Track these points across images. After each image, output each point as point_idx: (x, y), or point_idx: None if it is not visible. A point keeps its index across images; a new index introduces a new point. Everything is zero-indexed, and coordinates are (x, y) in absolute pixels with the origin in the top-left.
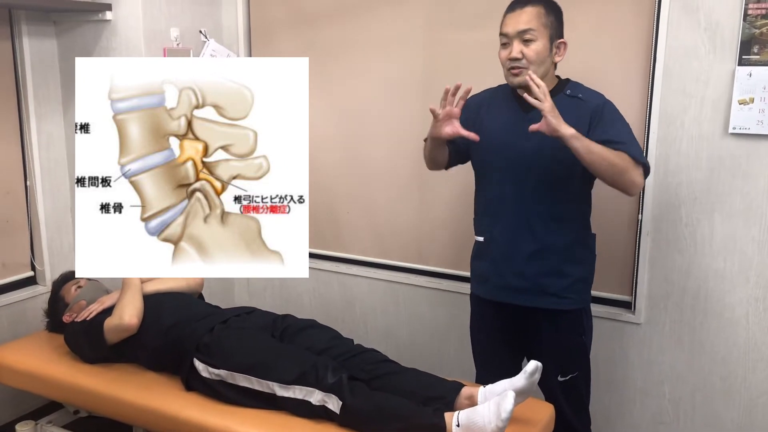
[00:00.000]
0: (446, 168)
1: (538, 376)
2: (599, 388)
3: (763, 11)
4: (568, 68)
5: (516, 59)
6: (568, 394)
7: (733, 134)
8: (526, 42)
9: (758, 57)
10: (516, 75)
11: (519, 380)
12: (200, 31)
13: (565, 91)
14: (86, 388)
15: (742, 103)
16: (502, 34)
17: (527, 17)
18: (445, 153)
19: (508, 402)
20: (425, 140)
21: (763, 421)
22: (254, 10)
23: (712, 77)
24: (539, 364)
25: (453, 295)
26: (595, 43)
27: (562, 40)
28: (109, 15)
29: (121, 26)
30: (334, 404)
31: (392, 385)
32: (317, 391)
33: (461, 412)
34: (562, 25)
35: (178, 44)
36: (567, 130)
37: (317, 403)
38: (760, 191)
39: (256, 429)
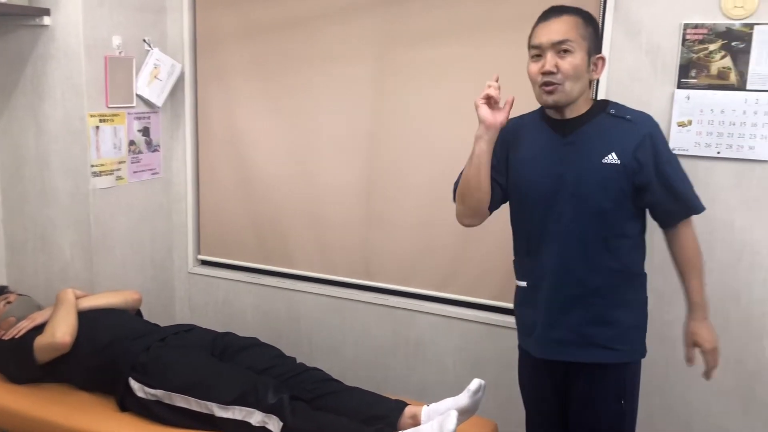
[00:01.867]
0: (490, 209)
1: (482, 394)
2: None
3: (700, 36)
4: (515, 91)
5: (550, 72)
6: None
7: None
8: (563, 53)
9: (696, 81)
10: (550, 93)
11: (462, 399)
12: (144, 40)
13: (608, 110)
14: (14, 410)
15: (680, 125)
16: (533, 47)
17: (564, 27)
18: (488, 179)
19: (451, 422)
20: (456, 185)
21: None
22: (201, 20)
23: (653, 99)
24: (483, 381)
25: (400, 312)
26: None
27: (600, 55)
28: (47, 20)
29: (60, 32)
30: (274, 425)
31: (335, 405)
32: (257, 411)
33: (403, 431)
34: (601, 40)
35: (120, 53)
36: (711, 332)
37: (257, 424)
38: None
39: None
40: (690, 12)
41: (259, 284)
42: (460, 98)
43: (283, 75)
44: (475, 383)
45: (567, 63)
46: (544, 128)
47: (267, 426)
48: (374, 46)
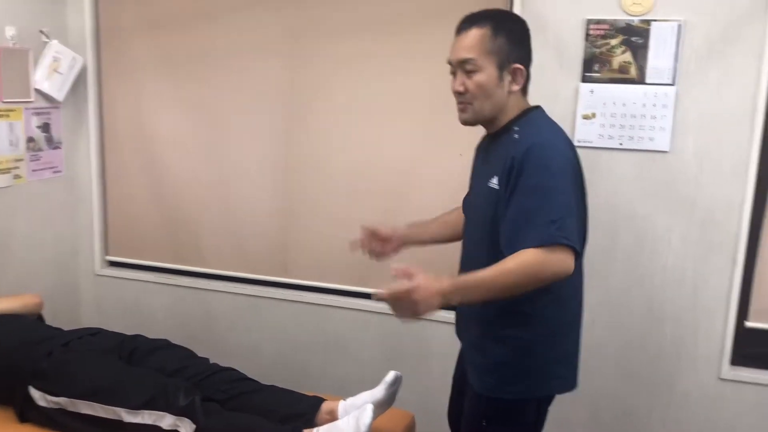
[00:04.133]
0: None
1: (398, 386)
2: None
3: (602, 32)
4: (421, 92)
5: (458, 93)
6: None
7: (578, 147)
8: (469, 73)
9: (599, 75)
10: (462, 111)
11: (379, 392)
12: (41, 31)
13: (514, 128)
14: None
15: (585, 117)
16: (448, 62)
17: (468, 43)
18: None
19: (367, 415)
20: None
21: (606, 421)
22: (103, 11)
23: (559, 93)
24: (399, 373)
25: (318, 308)
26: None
27: (516, 65)
28: None
29: None
30: (186, 428)
31: (250, 405)
32: (168, 414)
33: (320, 428)
34: (519, 46)
35: (14, 44)
36: (432, 300)
37: (168, 428)
38: (601, 201)
39: None
40: (592, 8)
41: (172, 285)
42: (376, 90)
43: (192, 69)
44: (391, 375)
45: (472, 83)
46: (480, 150)
47: (179, 429)
48: (286, 40)
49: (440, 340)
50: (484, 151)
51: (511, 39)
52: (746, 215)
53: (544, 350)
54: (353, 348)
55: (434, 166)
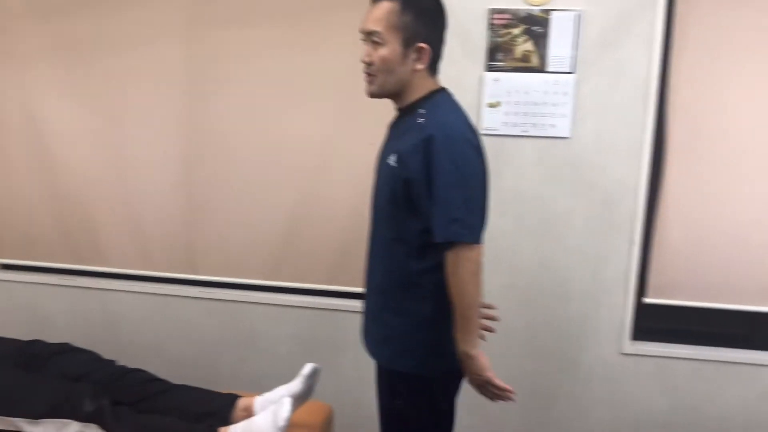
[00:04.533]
0: None
1: (316, 379)
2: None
3: (505, 21)
4: (330, 81)
5: (365, 63)
6: None
7: (484, 135)
8: (375, 45)
9: (503, 63)
10: (368, 83)
11: (296, 385)
12: None
13: (419, 110)
14: None
15: (491, 106)
16: (359, 30)
17: (377, 15)
18: None
19: (285, 409)
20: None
21: (517, 401)
22: None
23: (464, 82)
24: (317, 366)
25: (229, 304)
26: (353, 46)
27: (421, 44)
28: None
29: None
30: None
31: (162, 405)
32: (74, 422)
33: (236, 425)
34: (429, 25)
35: None
36: (473, 363)
37: None
38: (508, 185)
39: None
40: None
41: (70, 286)
42: (282, 80)
43: (87, 57)
44: (308, 367)
45: (377, 55)
46: (393, 119)
47: None
48: (187, 27)
49: (355, 331)
50: (393, 128)
51: (420, 17)
52: (642, 196)
53: (440, 327)
54: (268, 343)
55: (344, 155)
